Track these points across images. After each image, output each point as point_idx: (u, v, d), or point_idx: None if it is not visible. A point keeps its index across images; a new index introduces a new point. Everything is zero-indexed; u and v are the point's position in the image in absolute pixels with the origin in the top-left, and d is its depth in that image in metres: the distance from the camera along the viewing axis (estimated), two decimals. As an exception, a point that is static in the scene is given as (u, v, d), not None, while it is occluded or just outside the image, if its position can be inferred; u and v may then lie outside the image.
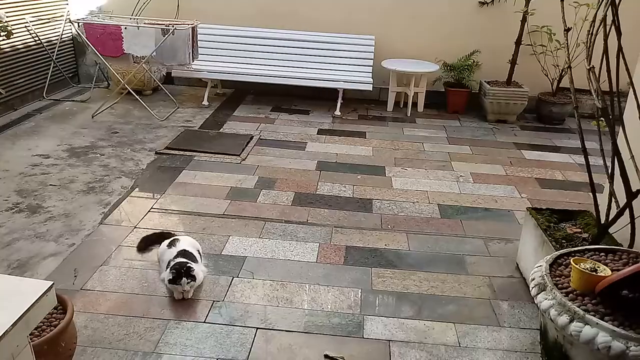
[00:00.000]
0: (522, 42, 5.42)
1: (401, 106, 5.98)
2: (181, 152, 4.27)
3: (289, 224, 3.28)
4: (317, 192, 3.74)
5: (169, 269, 2.50)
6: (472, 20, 5.79)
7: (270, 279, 2.71)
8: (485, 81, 5.69)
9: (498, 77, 5.73)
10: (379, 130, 5.20)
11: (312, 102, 5.92)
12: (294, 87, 5.65)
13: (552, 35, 5.32)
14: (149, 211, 3.34)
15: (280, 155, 4.38)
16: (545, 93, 5.68)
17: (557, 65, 5.46)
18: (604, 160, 2.26)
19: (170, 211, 3.36)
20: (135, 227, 3.14)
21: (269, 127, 5.07)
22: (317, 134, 4.98)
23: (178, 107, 5.49)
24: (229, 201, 3.52)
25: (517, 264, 2.94)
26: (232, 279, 2.69)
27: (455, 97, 5.80)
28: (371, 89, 5.56)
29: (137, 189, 3.64)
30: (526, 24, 5.33)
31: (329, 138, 4.88)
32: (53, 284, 1.25)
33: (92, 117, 5.04)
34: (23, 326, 1.17)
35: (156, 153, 4.26)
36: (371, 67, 5.77)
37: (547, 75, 5.57)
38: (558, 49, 5.33)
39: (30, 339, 1.81)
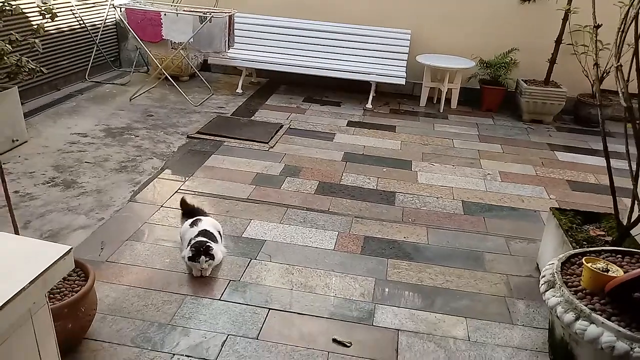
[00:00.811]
0: (563, 42, 5.27)
1: (434, 102, 5.92)
2: (212, 137, 4.37)
3: (310, 211, 3.32)
4: (341, 182, 3.77)
5: (189, 247, 2.59)
6: (512, 17, 5.67)
7: (287, 262, 2.76)
8: (522, 80, 5.57)
9: (536, 76, 5.60)
10: (410, 124, 5.17)
11: (344, 95, 5.93)
12: (326, 78, 5.67)
13: (595, 36, 5.13)
14: (176, 192, 3.44)
15: (308, 144, 4.42)
16: (585, 94, 5.52)
17: (599, 66, 5.27)
18: (629, 162, 2.20)
19: (196, 193, 3.46)
20: (162, 206, 3.25)
21: (299, 117, 5.12)
22: (347, 125, 5.00)
23: (212, 94, 5.61)
24: (254, 186, 3.59)
25: (537, 264, 2.89)
26: (250, 260, 2.76)
27: (490, 95, 5.70)
28: (404, 84, 5.52)
29: (166, 170, 3.76)
30: (568, 22, 5.18)
31: (358, 130, 4.89)
32: (71, 248, 1.32)
33: (130, 100, 5.21)
34: (41, 285, 1.24)
35: (188, 137, 4.38)
36: (405, 62, 5.73)
37: (587, 77, 5.40)
38: (600, 50, 5.15)
39: (52, 303, 1.93)
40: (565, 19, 5.16)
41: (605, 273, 1.70)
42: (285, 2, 6.01)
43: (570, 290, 1.71)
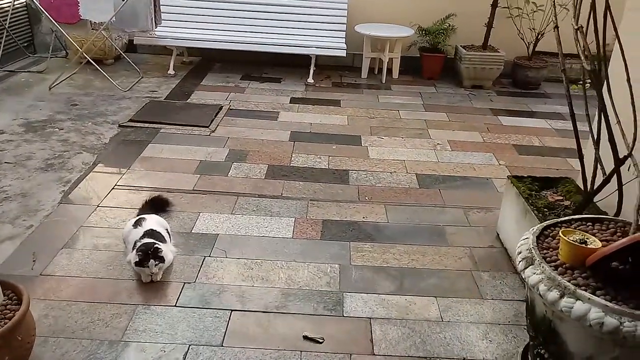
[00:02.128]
0: (499, 5, 5.28)
1: (376, 72, 5.82)
2: (146, 125, 4.04)
3: (263, 198, 3.14)
4: (291, 164, 3.59)
5: (135, 250, 2.34)
6: (448, -18, 5.61)
7: (245, 257, 2.58)
8: (461, 46, 5.56)
9: (474, 41, 5.60)
10: (354, 98, 5.04)
11: (283, 70, 5.70)
12: (264, 54, 5.42)
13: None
14: (113, 188, 3.14)
15: (251, 126, 4.19)
16: (521, 57, 5.59)
17: (533, 29, 5.36)
18: (590, 126, 2.17)
19: (136, 188, 3.17)
20: (98, 206, 2.95)
21: (239, 97, 4.85)
22: (290, 102, 4.80)
23: (142, 77, 5.20)
24: (199, 176, 3.34)
25: (498, 234, 2.87)
26: (204, 258, 2.55)
27: (431, 63, 5.66)
28: (345, 55, 5.36)
29: (99, 165, 3.43)
30: (503, -15, 5.19)
31: (302, 107, 4.70)
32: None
33: (50, 88, 4.73)
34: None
35: (119, 126, 4.02)
36: (344, 32, 5.56)
37: (523, 40, 5.47)
38: (534, 11, 5.22)
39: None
40: (500, -18, 5.16)
41: (584, 245, 1.66)
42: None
43: (551, 266, 1.65)
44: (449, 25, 5.57)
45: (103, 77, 4.91)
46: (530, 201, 2.54)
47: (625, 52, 2.13)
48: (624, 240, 1.58)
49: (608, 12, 2.06)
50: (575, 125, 2.13)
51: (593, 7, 2.04)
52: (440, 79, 5.70)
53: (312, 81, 5.38)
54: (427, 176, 3.55)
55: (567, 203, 2.55)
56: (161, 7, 4.98)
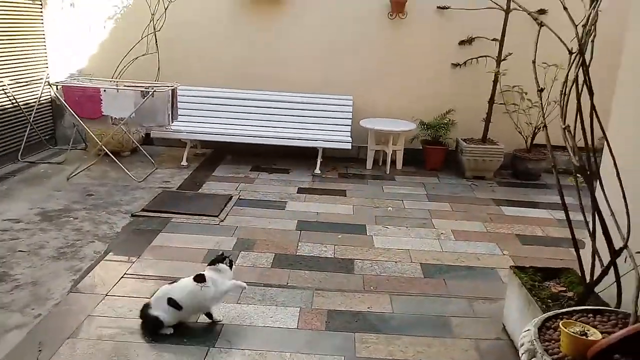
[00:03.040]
0: (495, 101, 5.58)
1: (380, 164, 6.03)
2: (158, 214, 4.17)
3: (269, 287, 3.17)
4: (297, 253, 3.66)
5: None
6: (447, 81, 5.98)
7: (249, 348, 2.57)
8: (461, 139, 5.80)
9: (473, 134, 5.85)
10: (359, 188, 5.20)
11: (292, 161, 5.92)
12: (273, 146, 5.67)
13: (524, 94, 5.50)
14: (122, 277, 3.20)
15: (260, 215, 4.31)
16: (520, 150, 5.80)
17: (530, 123, 5.61)
18: (584, 217, 2.25)
19: (144, 276, 3.23)
20: (107, 295, 2.99)
21: (248, 187, 5.02)
22: (297, 192, 4.95)
23: (156, 168, 5.43)
24: (206, 265, 3.39)
25: (504, 325, 2.86)
26: (209, 349, 2.55)
27: (433, 155, 5.88)
28: (350, 148, 5.61)
29: (110, 254, 3.51)
30: (498, 84, 5.51)
31: (309, 197, 4.84)
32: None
33: (67, 179, 4.94)
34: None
35: (132, 215, 4.16)
36: (350, 127, 5.85)
37: (521, 133, 5.71)
38: (530, 108, 5.50)
39: None
40: (496, 80, 5.50)
41: (584, 337, 1.68)
42: (228, 75, 6.06)
43: (553, 358, 1.66)
44: (449, 119, 5.86)
45: (119, 168, 5.14)
46: (533, 292, 2.56)
47: (614, 145, 2.28)
48: (622, 331, 1.61)
49: (594, 112, 2.23)
50: (568, 216, 2.22)
51: (579, 108, 2.21)
52: (443, 170, 5.89)
53: (319, 172, 5.58)
54: (431, 266, 3.58)
55: (570, 294, 2.56)
56: (178, 104, 5.30)
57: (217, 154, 6.11)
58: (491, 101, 5.60)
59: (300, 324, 2.80)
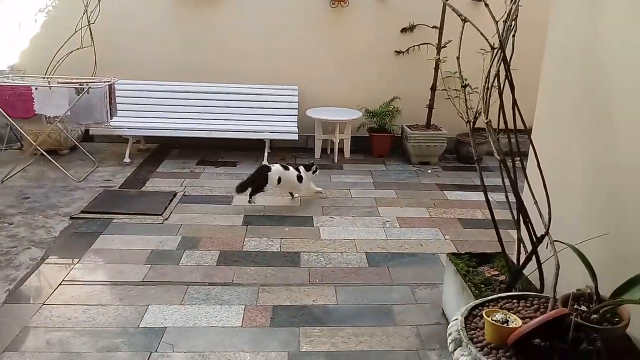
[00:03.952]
0: (437, 88, 5.69)
1: (328, 152, 6.06)
2: (99, 215, 4.06)
3: (213, 286, 3.16)
4: (243, 249, 3.65)
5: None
6: (390, 68, 6.04)
7: (192, 350, 2.56)
8: (406, 125, 5.90)
9: (418, 121, 5.96)
10: (307, 178, 5.21)
11: (239, 154, 5.87)
12: (220, 139, 5.60)
13: (465, 80, 5.61)
14: (60, 284, 3.11)
15: (205, 211, 4.27)
16: (463, 134, 5.96)
17: (471, 108, 5.74)
18: (510, 208, 2.35)
19: (84, 282, 3.15)
20: (43, 304, 2.90)
21: (194, 182, 4.95)
22: (244, 186, 4.92)
23: (97, 166, 5.27)
24: (149, 266, 3.35)
25: (443, 310, 2.96)
26: (150, 354, 2.52)
27: (380, 142, 5.96)
28: (297, 139, 5.61)
29: (48, 260, 3.40)
30: (439, 70, 5.61)
31: (256, 190, 4.82)
32: None
33: (2, 182, 4.72)
34: None
35: (71, 218, 4.03)
36: (296, 117, 5.84)
37: (462, 118, 5.84)
38: (470, 93, 5.61)
39: None
40: (437, 67, 5.60)
41: (505, 325, 1.76)
42: (171, 67, 5.91)
43: (477, 347, 1.74)
44: (394, 107, 5.94)
45: (57, 168, 4.95)
46: (467, 278, 2.66)
47: (537, 137, 2.38)
48: (540, 318, 1.70)
49: (516, 107, 2.32)
50: (492, 212, 2.34)
51: (502, 104, 2.29)
52: (390, 156, 5.98)
53: (267, 164, 5.54)
54: (376, 254, 3.65)
55: (502, 278, 2.68)
56: (117, 99, 5.14)
57: (161, 149, 5.98)
58: (433, 88, 5.71)
59: (244, 322, 2.81)
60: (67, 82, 4.84)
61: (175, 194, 4.56)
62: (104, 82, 4.90)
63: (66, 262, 3.38)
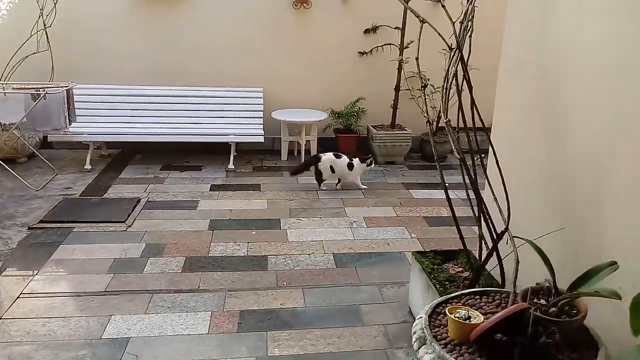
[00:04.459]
0: (401, 88, 5.75)
1: (295, 154, 6.05)
2: (58, 225, 3.93)
3: (179, 293, 3.10)
4: (209, 254, 3.60)
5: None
6: (354, 70, 6.08)
7: (157, 359, 2.51)
8: (371, 126, 5.94)
9: (383, 121, 6.02)
10: (274, 181, 5.19)
11: (204, 158, 5.79)
12: (185, 143, 5.52)
13: (427, 80, 5.69)
14: (17, 297, 3.00)
15: (170, 217, 4.19)
16: (427, 133, 6.03)
17: (434, 107, 5.84)
18: (471, 205, 2.39)
19: (44, 294, 3.04)
20: (1, 318, 2.79)
21: (158, 188, 4.86)
22: (210, 190, 4.86)
23: (57, 174, 5.11)
24: (112, 275, 3.27)
25: (410, 308, 2.99)
26: (114, 366, 2.46)
27: (346, 143, 5.97)
28: (263, 141, 5.57)
29: (4, 274, 3.27)
30: (402, 71, 5.68)
31: (222, 194, 4.77)
32: None
33: (-46, 192, 4.54)
34: None
35: (29, 228, 3.89)
36: (262, 119, 5.81)
37: (426, 118, 5.92)
38: (433, 93, 5.71)
39: None
40: (400, 68, 5.66)
41: (467, 321, 1.79)
42: (131, 70, 5.79)
43: (441, 344, 1.76)
44: (359, 108, 5.97)
45: (14, 176, 4.77)
46: (432, 275, 2.69)
47: (496, 137, 2.43)
48: (500, 313, 1.73)
49: (474, 107, 2.36)
50: (453, 210, 2.38)
51: (460, 105, 2.33)
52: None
53: (233, 167, 5.50)
54: (343, 255, 3.66)
55: (466, 274, 2.72)
56: (76, 104, 5.00)
57: (124, 155, 5.85)
58: (397, 88, 5.77)
59: (211, 329, 2.77)
60: (22, 88, 4.69)
61: (139, 200, 4.47)
62: (62, 87, 4.76)
63: (25, 274, 3.26)
